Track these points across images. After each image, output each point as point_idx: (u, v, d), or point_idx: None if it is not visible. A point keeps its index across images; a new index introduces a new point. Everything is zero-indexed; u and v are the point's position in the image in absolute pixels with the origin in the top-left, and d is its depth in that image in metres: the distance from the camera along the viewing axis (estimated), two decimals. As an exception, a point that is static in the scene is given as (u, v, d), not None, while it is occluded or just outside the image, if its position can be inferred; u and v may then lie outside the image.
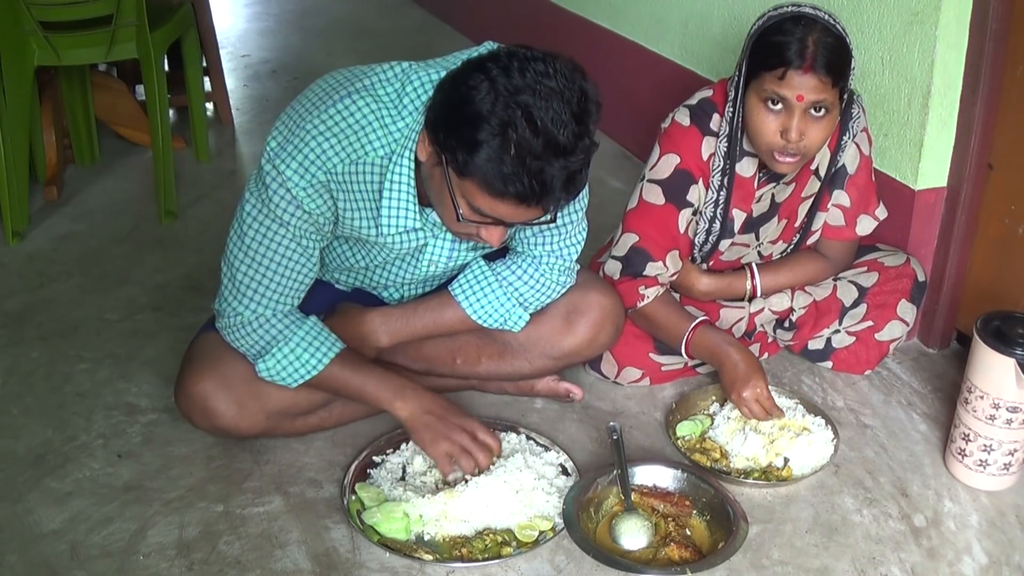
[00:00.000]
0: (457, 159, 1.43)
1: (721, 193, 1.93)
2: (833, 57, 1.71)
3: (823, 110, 1.75)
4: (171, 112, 3.74)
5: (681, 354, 2.01)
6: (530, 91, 1.38)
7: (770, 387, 1.99)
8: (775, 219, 2.02)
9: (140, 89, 3.59)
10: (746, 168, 1.92)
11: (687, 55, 2.95)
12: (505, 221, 1.51)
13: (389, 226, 1.67)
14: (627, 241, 1.98)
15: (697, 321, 1.96)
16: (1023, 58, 1.92)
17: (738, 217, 1.98)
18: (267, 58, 4.79)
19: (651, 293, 1.97)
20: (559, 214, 1.73)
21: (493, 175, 1.41)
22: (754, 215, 2.00)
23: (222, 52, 3.89)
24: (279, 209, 1.62)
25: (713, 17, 2.76)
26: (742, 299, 2.08)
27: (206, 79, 3.71)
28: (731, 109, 1.87)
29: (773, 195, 1.98)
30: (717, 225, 1.97)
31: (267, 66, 4.64)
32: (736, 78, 1.84)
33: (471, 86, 1.40)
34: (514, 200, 1.43)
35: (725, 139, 1.89)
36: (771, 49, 1.73)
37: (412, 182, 1.63)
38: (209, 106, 3.88)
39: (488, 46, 1.65)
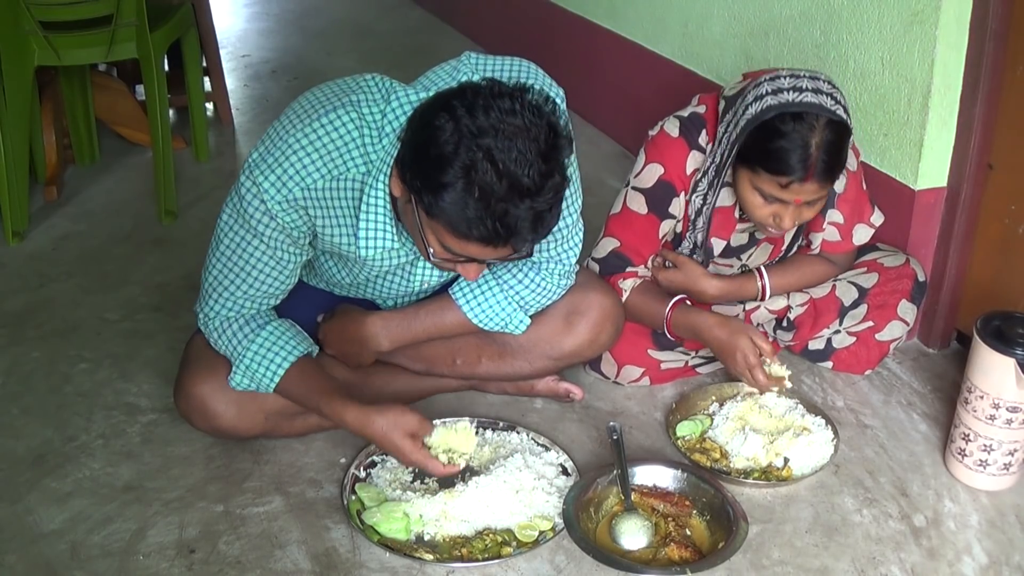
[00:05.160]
0: (423, 200, 1.42)
1: (699, 224, 1.93)
2: (835, 160, 1.70)
3: (818, 201, 1.77)
4: (171, 112, 3.74)
5: (681, 351, 2.01)
6: (493, 132, 1.36)
7: (769, 390, 2.00)
8: (755, 248, 2.03)
9: (140, 89, 3.58)
10: (726, 198, 1.91)
11: (687, 55, 2.95)
12: (477, 259, 1.50)
13: (367, 247, 1.66)
14: (607, 245, 2.00)
15: (672, 302, 1.95)
16: (1023, 58, 1.92)
17: (717, 244, 1.99)
18: (267, 58, 4.79)
19: (628, 284, 1.98)
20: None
21: (458, 218, 1.40)
22: (732, 244, 2.00)
23: (222, 52, 3.89)
24: (253, 220, 1.63)
25: (713, 17, 2.76)
26: (753, 300, 2.07)
27: (206, 79, 3.71)
28: (714, 170, 1.85)
29: (753, 232, 1.99)
30: (700, 254, 1.98)
31: (267, 66, 4.63)
32: (725, 147, 1.81)
33: (436, 126, 1.38)
34: (479, 243, 1.43)
35: (704, 190, 1.88)
36: (772, 154, 1.69)
37: (388, 204, 1.62)
38: (209, 106, 3.88)
39: (466, 57, 1.65)
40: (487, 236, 1.41)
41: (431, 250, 1.51)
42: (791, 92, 1.69)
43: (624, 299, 1.97)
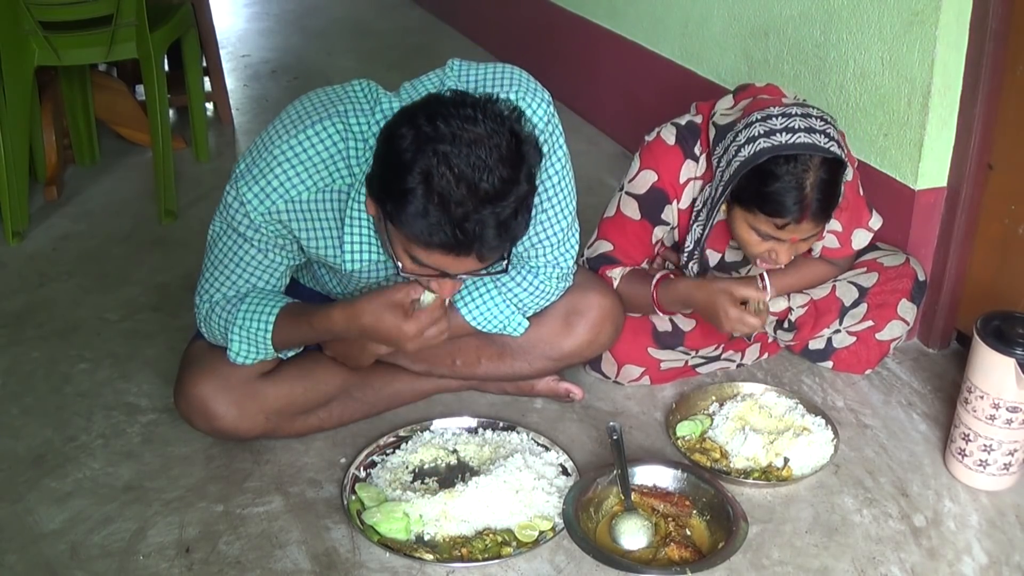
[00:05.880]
0: (388, 209, 1.42)
1: (695, 253, 1.93)
2: (829, 199, 1.71)
3: (813, 236, 1.78)
4: (171, 112, 3.74)
5: (682, 350, 2.01)
6: (451, 138, 1.36)
7: (769, 390, 2.00)
8: (751, 265, 2.02)
9: (140, 89, 3.58)
10: (721, 211, 1.90)
11: (687, 55, 2.95)
12: (447, 272, 1.49)
13: (353, 260, 1.66)
14: (599, 248, 2.01)
15: (655, 280, 1.95)
16: (1023, 58, 1.92)
17: (712, 256, 1.99)
18: (267, 58, 4.79)
19: (616, 273, 1.98)
20: (543, 227, 1.73)
21: (419, 225, 1.39)
22: (727, 259, 2.01)
23: (222, 52, 3.89)
24: (241, 227, 1.64)
25: (713, 17, 2.76)
26: None
27: (206, 79, 3.71)
28: (708, 204, 1.85)
29: None
30: (696, 265, 1.98)
31: (267, 66, 4.63)
32: (717, 184, 1.80)
33: (399, 136, 1.39)
34: (441, 250, 1.41)
35: (702, 221, 1.88)
36: (768, 196, 1.70)
37: (371, 217, 1.62)
38: (209, 106, 3.88)
39: (450, 68, 1.65)
40: (448, 243, 1.39)
41: (400, 264, 1.50)
42: (784, 133, 1.69)
43: (615, 287, 1.98)
